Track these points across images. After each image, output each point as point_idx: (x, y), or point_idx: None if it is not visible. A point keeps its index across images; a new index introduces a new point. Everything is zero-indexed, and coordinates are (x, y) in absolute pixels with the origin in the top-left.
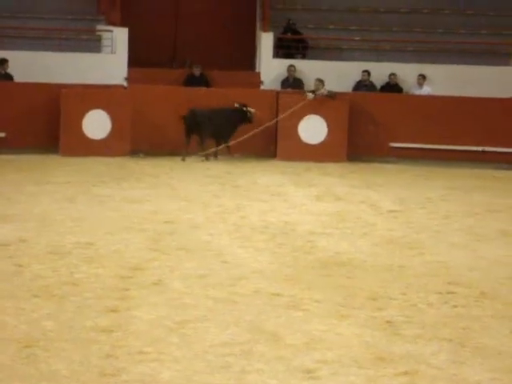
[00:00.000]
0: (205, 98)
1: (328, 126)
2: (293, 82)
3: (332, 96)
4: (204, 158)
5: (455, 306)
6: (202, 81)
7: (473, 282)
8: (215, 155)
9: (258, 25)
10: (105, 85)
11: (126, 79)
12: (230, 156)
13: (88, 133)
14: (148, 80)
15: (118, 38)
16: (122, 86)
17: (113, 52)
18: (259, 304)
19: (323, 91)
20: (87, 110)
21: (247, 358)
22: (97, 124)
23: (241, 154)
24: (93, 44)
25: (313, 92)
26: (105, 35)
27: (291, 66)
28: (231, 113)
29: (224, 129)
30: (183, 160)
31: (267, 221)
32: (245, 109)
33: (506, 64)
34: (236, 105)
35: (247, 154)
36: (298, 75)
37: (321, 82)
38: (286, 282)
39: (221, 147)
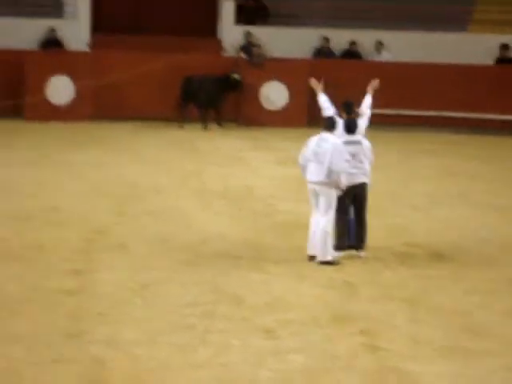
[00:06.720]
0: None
1: (288, 91)
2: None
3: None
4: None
5: (412, 267)
6: None
7: (430, 243)
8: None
9: None
10: (68, 50)
11: (88, 44)
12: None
13: (51, 98)
14: (111, 45)
15: (80, 2)
16: (84, 52)
17: (75, 17)
18: (221, 266)
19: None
20: (51, 76)
21: (210, 318)
22: (60, 89)
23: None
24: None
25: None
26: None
27: (248, 32)
28: (218, 80)
29: (212, 96)
30: (181, 127)
31: (228, 185)
32: (231, 75)
33: (463, 30)
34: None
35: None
36: (258, 42)
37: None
38: (246, 245)
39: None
